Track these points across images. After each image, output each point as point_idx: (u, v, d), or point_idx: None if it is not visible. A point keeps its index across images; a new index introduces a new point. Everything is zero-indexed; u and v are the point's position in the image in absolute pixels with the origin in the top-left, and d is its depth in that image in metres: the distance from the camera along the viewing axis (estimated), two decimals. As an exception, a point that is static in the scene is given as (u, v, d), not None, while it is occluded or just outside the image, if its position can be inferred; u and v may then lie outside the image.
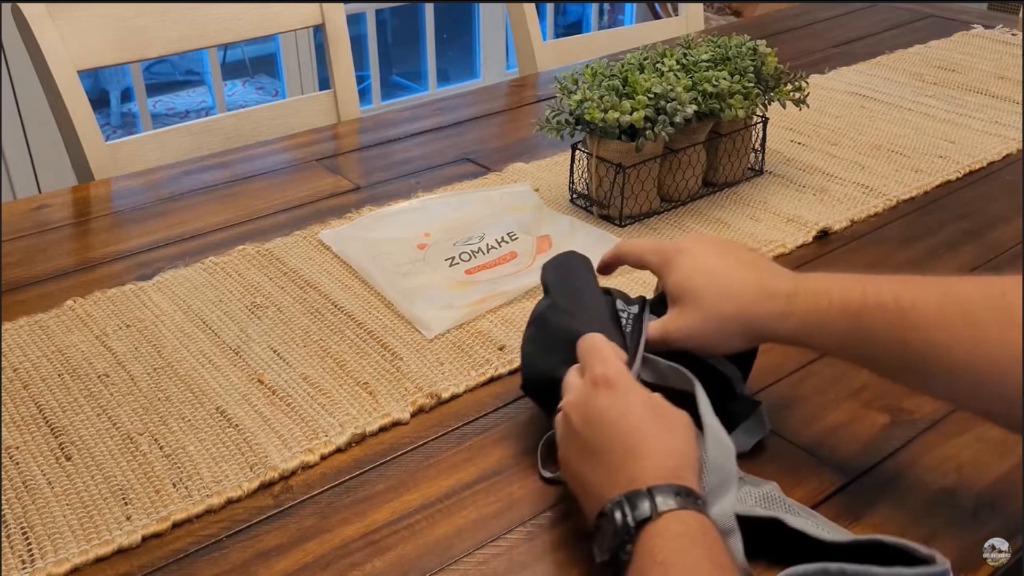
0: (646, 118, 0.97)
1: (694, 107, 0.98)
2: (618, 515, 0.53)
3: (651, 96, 0.97)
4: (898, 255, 0.98)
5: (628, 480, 0.54)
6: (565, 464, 0.61)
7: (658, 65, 1.04)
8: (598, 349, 0.62)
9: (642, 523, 0.52)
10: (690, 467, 0.56)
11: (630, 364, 0.64)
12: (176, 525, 0.64)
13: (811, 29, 1.72)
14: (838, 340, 0.62)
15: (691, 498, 0.53)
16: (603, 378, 0.59)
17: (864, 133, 1.27)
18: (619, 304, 0.70)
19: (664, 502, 0.52)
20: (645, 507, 0.52)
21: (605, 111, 0.96)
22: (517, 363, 0.80)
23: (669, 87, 0.98)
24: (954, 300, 0.58)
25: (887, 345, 0.60)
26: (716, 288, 0.65)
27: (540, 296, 0.73)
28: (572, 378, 0.63)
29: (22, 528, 0.64)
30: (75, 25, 1.22)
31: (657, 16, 3.26)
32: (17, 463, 0.70)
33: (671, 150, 1.04)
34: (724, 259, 0.66)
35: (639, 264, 0.72)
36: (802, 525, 0.58)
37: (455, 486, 0.68)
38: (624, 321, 0.68)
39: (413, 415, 0.75)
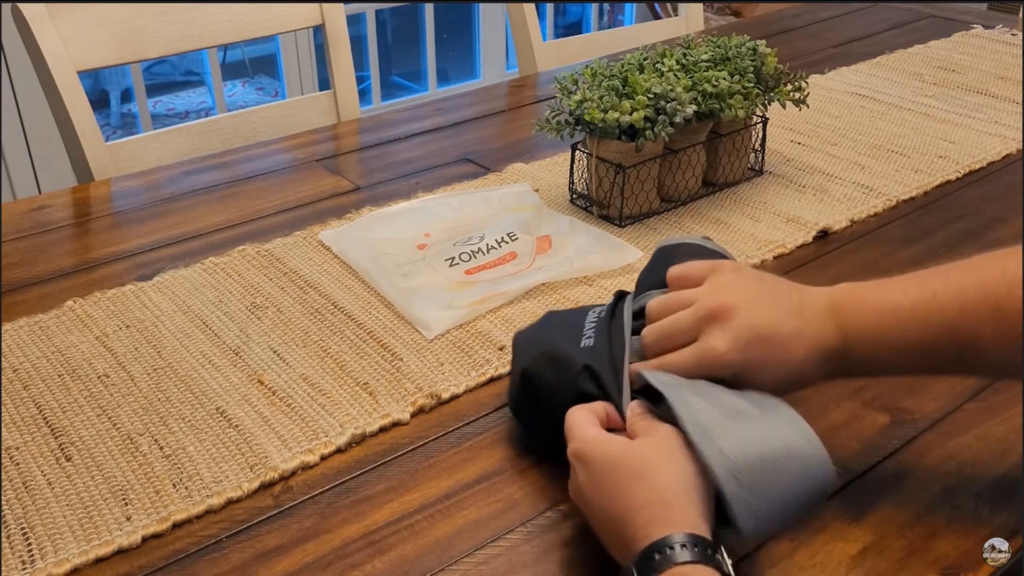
0: (646, 118, 0.97)
1: (694, 107, 0.98)
2: None
3: (651, 96, 0.97)
4: (898, 255, 0.98)
5: (625, 547, 0.55)
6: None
7: (658, 65, 1.04)
8: (571, 425, 0.62)
9: None
10: (674, 500, 0.55)
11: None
12: (176, 525, 0.64)
13: (811, 29, 1.72)
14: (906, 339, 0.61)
15: (683, 547, 0.52)
16: (574, 453, 0.60)
17: (864, 133, 1.27)
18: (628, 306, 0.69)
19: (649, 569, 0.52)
20: None
21: (605, 111, 0.96)
22: (517, 363, 0.81)
23: (669, 87, 0.98)
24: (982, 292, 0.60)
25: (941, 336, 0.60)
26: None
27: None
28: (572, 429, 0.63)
29: (22, 528, 0.64)
30: (75, 25, 1.22)
31: (657, 16, 3.27)
32: (17, 463, 0.70)
33: (671, 150, 1.04)
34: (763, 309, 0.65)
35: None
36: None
37: (455, 486, 0.68)
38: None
39: (413, 415, 0.75)
